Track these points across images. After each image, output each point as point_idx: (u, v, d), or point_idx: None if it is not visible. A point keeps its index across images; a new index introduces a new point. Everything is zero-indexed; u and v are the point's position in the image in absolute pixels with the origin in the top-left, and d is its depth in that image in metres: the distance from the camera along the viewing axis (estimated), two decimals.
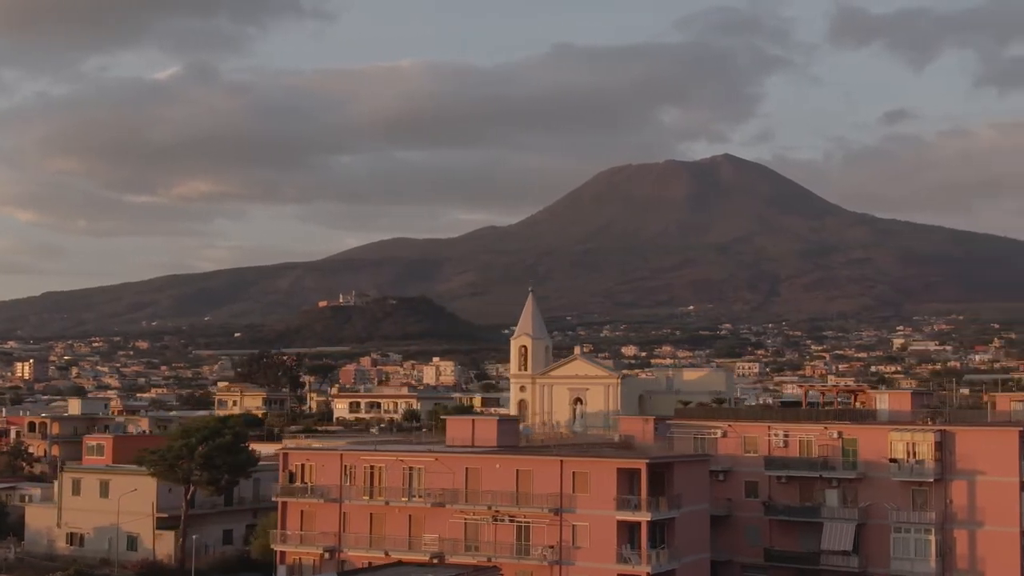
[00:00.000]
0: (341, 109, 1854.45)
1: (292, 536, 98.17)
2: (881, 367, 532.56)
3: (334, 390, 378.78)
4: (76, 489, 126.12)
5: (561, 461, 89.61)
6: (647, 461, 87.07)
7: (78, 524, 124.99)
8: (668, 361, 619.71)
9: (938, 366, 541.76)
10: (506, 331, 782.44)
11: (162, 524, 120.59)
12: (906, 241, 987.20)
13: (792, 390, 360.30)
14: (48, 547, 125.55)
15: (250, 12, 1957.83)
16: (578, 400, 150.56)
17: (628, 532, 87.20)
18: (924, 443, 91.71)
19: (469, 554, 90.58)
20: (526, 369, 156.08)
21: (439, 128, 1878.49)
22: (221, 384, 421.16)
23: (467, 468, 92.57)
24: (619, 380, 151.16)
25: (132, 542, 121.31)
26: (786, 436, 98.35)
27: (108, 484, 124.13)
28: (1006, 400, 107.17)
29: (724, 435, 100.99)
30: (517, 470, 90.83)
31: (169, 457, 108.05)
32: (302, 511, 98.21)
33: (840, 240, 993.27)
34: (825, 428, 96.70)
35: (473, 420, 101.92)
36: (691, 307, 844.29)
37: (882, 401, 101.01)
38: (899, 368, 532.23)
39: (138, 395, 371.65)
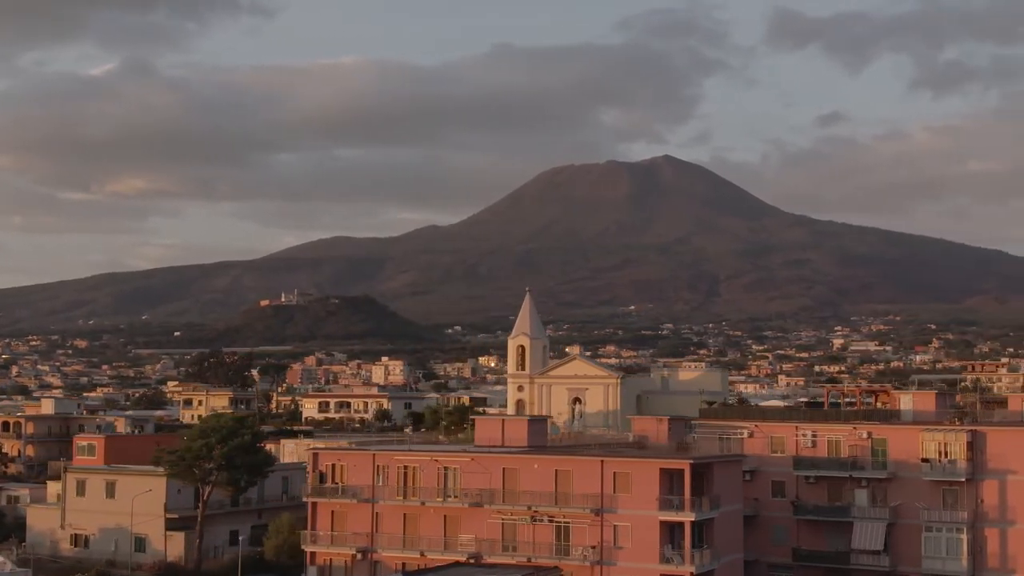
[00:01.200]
0: (280, 106, 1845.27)
1: (323, 537, 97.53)
2: (824, 367, 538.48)
3: (282, 389, 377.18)
4: (80, 490, 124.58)
5: (602, 461, 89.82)
6: (691, 461, 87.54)
7: (83, 525, 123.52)
8: (613, 361, 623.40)
9: (881, 366, 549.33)
10: (449, 330, 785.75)
11: (170, 525, 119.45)
12: (843, 242, 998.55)
13: (745, 388, 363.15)
14: (51, 549, 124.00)
15: (188, 7, 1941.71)
16: (577, 400, 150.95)
17: (669, 532, 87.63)
18: (956, 443, 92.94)
19: (507, 554, 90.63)
20: (524, 369, 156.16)
21: (379, 126, 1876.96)
22: (171, 384, 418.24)
23: (504, 468, 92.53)
24: (619, 380, 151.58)
25: (140, 543, 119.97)
26: (814, 436, 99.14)
27: (115, 485, 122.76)
28: (1018, 400, 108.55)
29: (751, 435, 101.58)
30: (556, 470, 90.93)
31: (188, 457, 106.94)
32: (332, 511, 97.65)
33: (778, 241, 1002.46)
34: (854, 428, 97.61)
35: (503, 420, 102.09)
36: (632, 307, 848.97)
37: (906, 401, 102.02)
38: (843, 368, 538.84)
39: (84, 394, 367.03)
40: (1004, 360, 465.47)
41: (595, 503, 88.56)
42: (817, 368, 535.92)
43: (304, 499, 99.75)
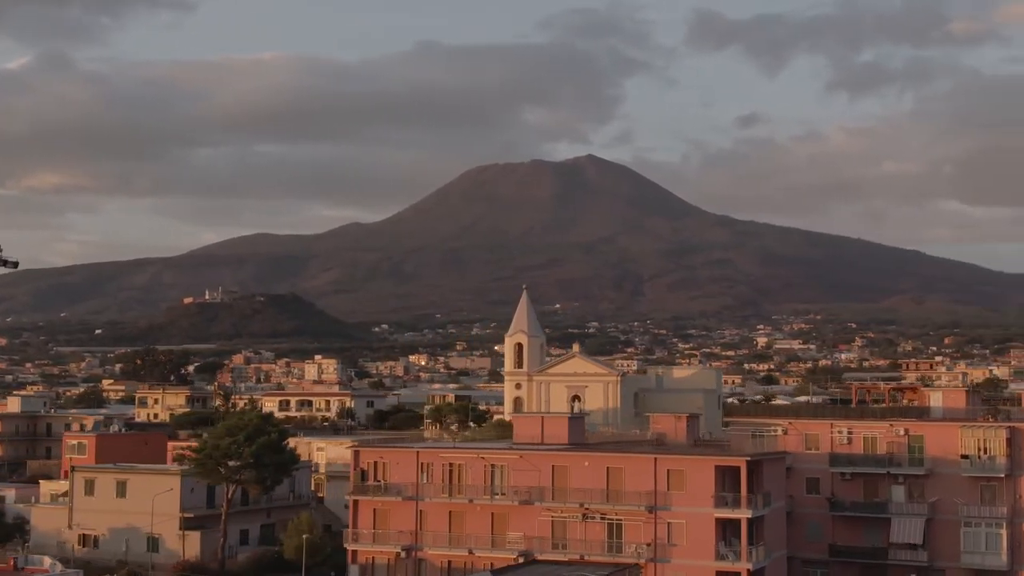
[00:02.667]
0: (199, 101, 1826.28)
1: (365, 535, 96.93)
2: (753, 365, 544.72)
3: (214, 388, 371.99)
4: (89, 489, 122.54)
5: (655, 459, 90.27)
6: (747, 458, 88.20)
7: (91, 525, 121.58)
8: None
9: (809, 364, 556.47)
10: (376, 328, 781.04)
11: (181, 525, 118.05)
12: (763, 242, 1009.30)
13: None
14: (58, 549, 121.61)
15: (105, 1, 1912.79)
16: (576, 398, 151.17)
17: (722, 529, 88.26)
18: (996, 439, 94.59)
19: (557, 552, 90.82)
20: (522, 367, 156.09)
21: (301, 122, 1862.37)
22: (106, 382, 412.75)
23: (553, 465, 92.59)
24: (619, 378, 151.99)
25: (154, 543, 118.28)
26: (850, 433, 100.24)
27: (126, 484, 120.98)
28: None
29: (785, 432, 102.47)
30: (608, 467, 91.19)
31: (216, 455, 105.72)
32: (375, 509, 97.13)
33: (701, 241, 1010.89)
34: (891, 425, 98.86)
35: (542, 418, 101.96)
36: (558, 305, 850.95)
37: (936, 399, 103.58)
38: (771, 366, 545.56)
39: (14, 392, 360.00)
40: (939, 359, 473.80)
41: (648, 500, 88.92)
42: (746, 366, 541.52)
43: (346, 497, 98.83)
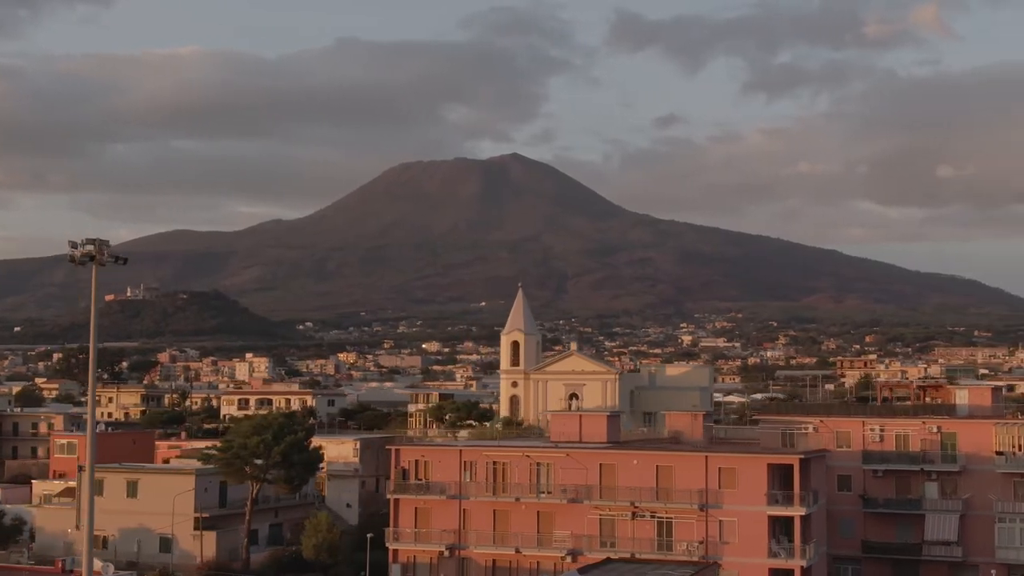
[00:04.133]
0: (116, 96, 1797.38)
1: (406, 534, 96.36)
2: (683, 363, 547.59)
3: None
4: (98, 489, 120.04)
5: (706, 457, 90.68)
6: (800, 456, 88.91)
7: (101, 526, 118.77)
8: (474, 356, 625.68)
9: (739, 361, 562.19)
10: (300, 326, 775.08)
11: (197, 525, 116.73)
12: (684, 242, 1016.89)
13: None
14: (65, 550, 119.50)
15: None
16: (573, 396, 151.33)
17: (773, 527, 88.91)
18: None
19: (606, 550, 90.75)
20: (518, 365, 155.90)
21: (219, 118, 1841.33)
22: (39, 380, 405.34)
23: (601, 464, 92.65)
24: (617, 376, 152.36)
25: (166, 544, 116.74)
26: (882, 431, 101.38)
27: (137, 484, 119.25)
28: None
29: (815, 430, 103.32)
30: (657, 466, 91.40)
31: (244, 455, 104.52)
32: (416, 508, 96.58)
33: (623, 240, 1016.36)
34: (924, 423, 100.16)
35: (580, 416, 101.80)
36: (483, 303, 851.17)
37: (962, 396, 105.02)
38: (700, 363, 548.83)
39: None
40: (871, 356, 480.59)
41: (700, 498, 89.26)
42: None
43: (387, 495, 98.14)
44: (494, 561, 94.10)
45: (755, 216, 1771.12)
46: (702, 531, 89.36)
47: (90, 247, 61.33)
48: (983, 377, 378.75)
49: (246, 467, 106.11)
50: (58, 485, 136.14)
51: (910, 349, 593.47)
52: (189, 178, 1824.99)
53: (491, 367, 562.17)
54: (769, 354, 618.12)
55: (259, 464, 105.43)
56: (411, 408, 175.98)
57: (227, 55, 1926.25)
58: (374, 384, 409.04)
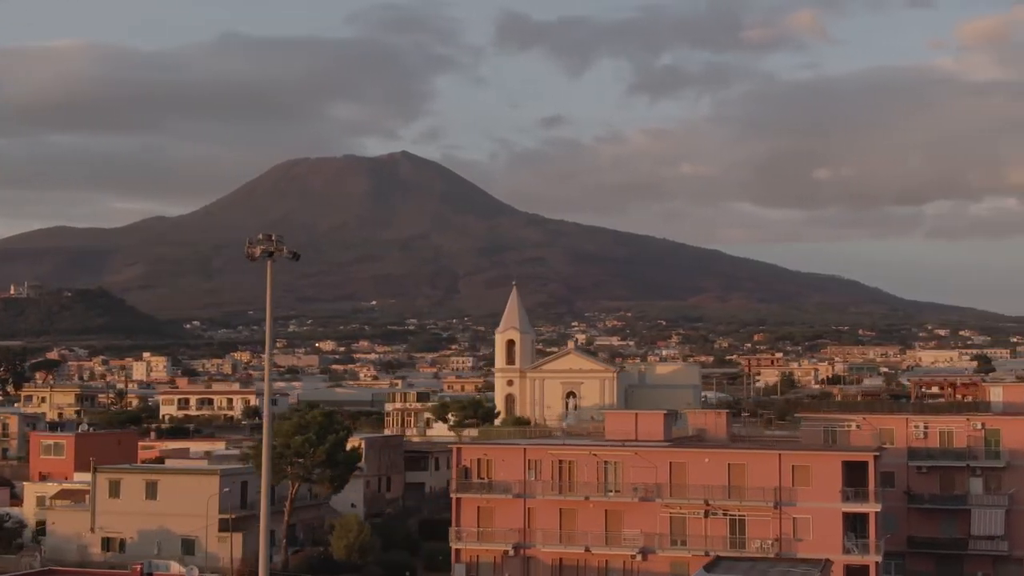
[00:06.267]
0: None
1: (469, 533, 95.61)
2: None
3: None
4: (114, 491, 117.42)
5: (779, 455, 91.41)
6: (875, 453, 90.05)
7: (117, 528, 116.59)
8: (372, 356, 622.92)
9: (637, 360, 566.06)
10: (188, 325, 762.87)
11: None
12: (573, 241, 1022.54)
13: None
14: (79, 554, 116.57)
15: None
16: (571, 394, 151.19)
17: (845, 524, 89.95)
18: None
19: (677, 548, 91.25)
20: (513, 363, 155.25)
21: (97, 112, 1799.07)
22: None
23: (671, 462, 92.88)
24: (616, 374, 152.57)
25: (188, 545, 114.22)
26: (926, 428, 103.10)
27: (156, 485, 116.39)
28: None
29: (858, 427, 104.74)
30: (729, 464, 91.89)
31: (288, 454, 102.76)
32: (479, 507, 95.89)
33: (514, 239, 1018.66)
34: (967, 420, 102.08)
35: (636, 415, 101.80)
36: (374, 302, 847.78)
37: (996, 394, 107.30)
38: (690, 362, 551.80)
39: None
40: (778, 354, 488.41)
41: (773, 496, 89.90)
42: None
43: (451, 495, 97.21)
44: (561, 560, 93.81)
45: (641, 216, 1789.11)
46: (775, 528, 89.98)
47: None
48: (883, 375, 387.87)
49: (288, 467, 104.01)
50: (50, 487, 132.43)
51: (800, 348, 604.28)
52: (68, 173, 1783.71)
53: (391, 366, 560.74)
54: (664, 352, 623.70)
55: (303, 464, 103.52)
56: (388, 407, 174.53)
57: (107, 49, 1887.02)
58: (281, 383, 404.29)
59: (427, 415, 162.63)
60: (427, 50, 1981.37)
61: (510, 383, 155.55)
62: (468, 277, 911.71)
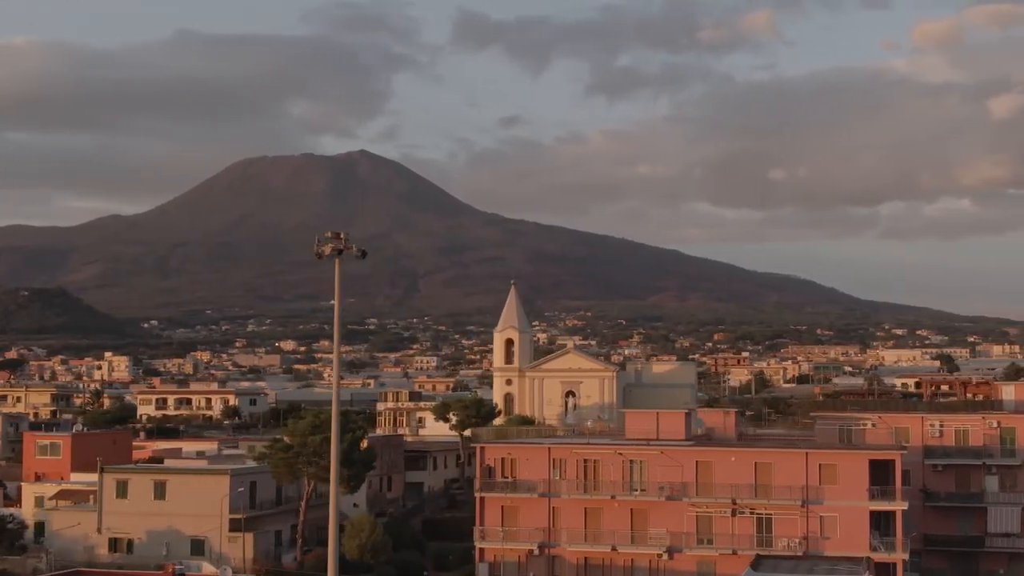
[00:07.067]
0: None
1: (493, 532, 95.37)
2: None
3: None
4: (122, 491, 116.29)
5: (807, 453, 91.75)
6: (901, 452, 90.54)
7: (125, 529, 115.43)
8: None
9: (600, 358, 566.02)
10: (146, 325, 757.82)
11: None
12: (533, 241, 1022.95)
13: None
14: (86, 555, 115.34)
15: None
16: (570, 393, 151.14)
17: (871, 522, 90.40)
18: None
19: (703, 547, 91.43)
20: (512, 362, 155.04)
21: (52, 111, 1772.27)
22: None
23: (697, 461, 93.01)
24: (615, 374, 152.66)
25: (198, 546, 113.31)
26: (941, 427, 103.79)
27: (165, 485, 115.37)
28: None
29: (874, 426, 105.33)
30: (756, 462, 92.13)
31: (306, 453, 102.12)
32: (503, 507, 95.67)
33: (473, 239, 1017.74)
34: (983, 418, 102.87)
35: (657, 414, 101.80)
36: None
37: (1008, 392, 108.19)
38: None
39: None
40: (744, 354, 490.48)
41: (800, 495, 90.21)
42: None
43: (476, 494, 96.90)
44: (586, 559, 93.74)
45: (600, 216, 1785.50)
46: (802, 527, 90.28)
47: None
48: (848, 374, 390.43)
49: (306, 466, 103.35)
50: (49, 488, 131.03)
51: (760, 347, 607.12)
52: (24, 172, 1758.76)
53: (354, 366, 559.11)
54: (627, 352, 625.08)
55: (320, 463, 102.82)
56: (380, 407, 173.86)
57: (62, 46, 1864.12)
58: (245, 383, 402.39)
59: (420, 415, 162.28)
60: (384, 49, 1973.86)
61: (509, 382, 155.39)
62: (428, 276, 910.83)
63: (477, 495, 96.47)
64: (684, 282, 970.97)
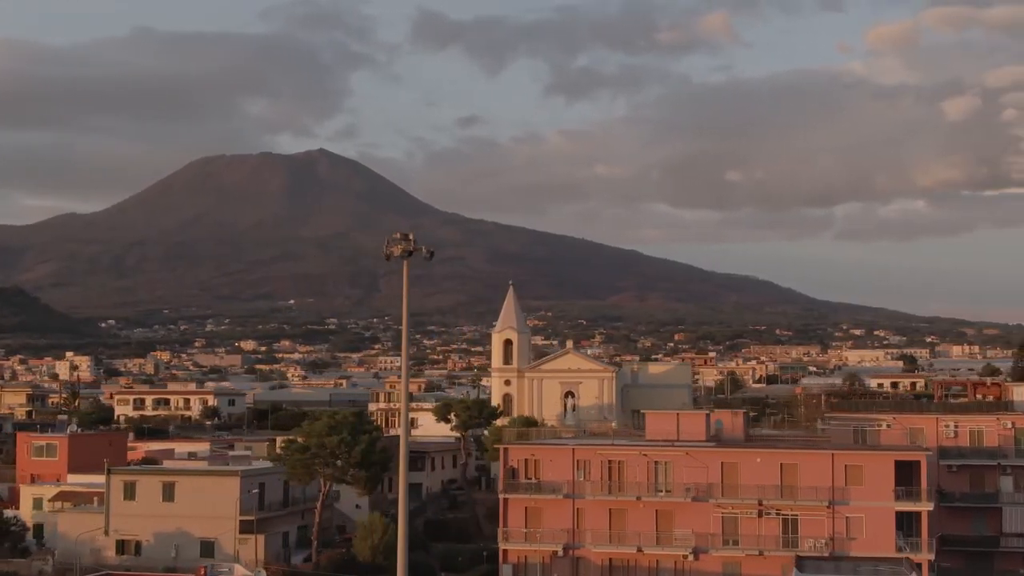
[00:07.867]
0: None
1: (516, 534, 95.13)
2: None
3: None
4: (130, 493, 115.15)
5: (832, 455, 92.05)
6: (927, 453, 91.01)
7: (132, 531, 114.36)
8: (295, 355, 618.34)
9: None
10: (103, 324, 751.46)
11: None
12: (493, 241, 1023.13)
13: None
14: (93, 557, 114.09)
15: None
16: (569, 394, 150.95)
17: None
18: None
19: (729, 548, 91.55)
20: (511, 363, 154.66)
21: (8, 108, 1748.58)
22: None
23: (723, 462, 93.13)
24: (614, 374, 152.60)
25: (208, 548, 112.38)
26: (956, 427, 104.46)
27: (174, 486, 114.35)
28: None
29: (888, 427, 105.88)
30: (781, 463, 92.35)
31: (323, 454, 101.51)
32: (526, 508, 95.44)
33: (433, 238, 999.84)
34: (998, 419, 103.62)
35: (678, 415, 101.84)
36: (292, 301, 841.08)
37: (1020, 393, 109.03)
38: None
39: None
40: (711, 354, 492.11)
41: (827, 496, 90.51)
42: None
43: (500, 495, 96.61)
44: (611, 560, 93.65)
45: (559, 216, 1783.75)
46: (829, 527, 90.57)
47: None
48: (813, 374, 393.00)
49: (323, 467, 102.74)
50: (48, 489, 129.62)
51: (721, 348, 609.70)
52: None
53: (316, 366, 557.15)
54: (590, 352, 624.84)
55: (338, 464, 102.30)
56: (371, 407, 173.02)
57: (16, 43, 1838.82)
58: (226, 383, 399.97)
59: (413, 415, 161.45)
60: (342, 47, 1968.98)
61: (507, 383, 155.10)
62: (388, 276, 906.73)
63: (501, 496, 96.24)
64: (643, 282, 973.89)
